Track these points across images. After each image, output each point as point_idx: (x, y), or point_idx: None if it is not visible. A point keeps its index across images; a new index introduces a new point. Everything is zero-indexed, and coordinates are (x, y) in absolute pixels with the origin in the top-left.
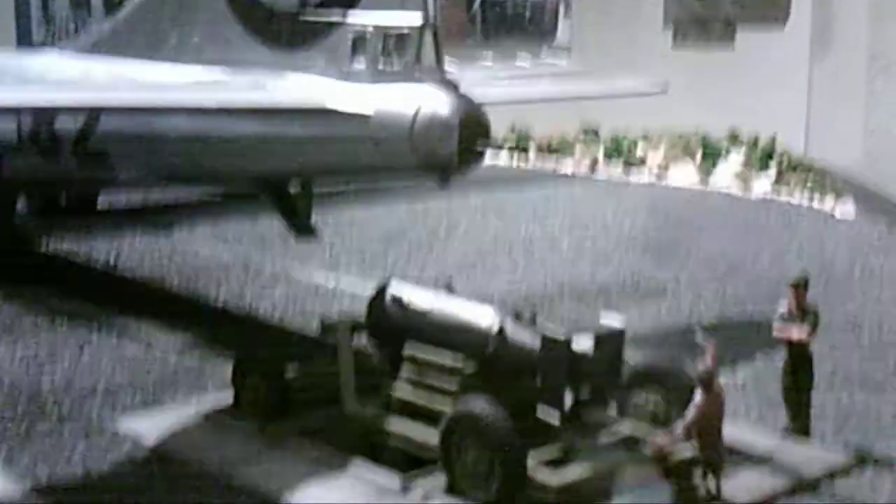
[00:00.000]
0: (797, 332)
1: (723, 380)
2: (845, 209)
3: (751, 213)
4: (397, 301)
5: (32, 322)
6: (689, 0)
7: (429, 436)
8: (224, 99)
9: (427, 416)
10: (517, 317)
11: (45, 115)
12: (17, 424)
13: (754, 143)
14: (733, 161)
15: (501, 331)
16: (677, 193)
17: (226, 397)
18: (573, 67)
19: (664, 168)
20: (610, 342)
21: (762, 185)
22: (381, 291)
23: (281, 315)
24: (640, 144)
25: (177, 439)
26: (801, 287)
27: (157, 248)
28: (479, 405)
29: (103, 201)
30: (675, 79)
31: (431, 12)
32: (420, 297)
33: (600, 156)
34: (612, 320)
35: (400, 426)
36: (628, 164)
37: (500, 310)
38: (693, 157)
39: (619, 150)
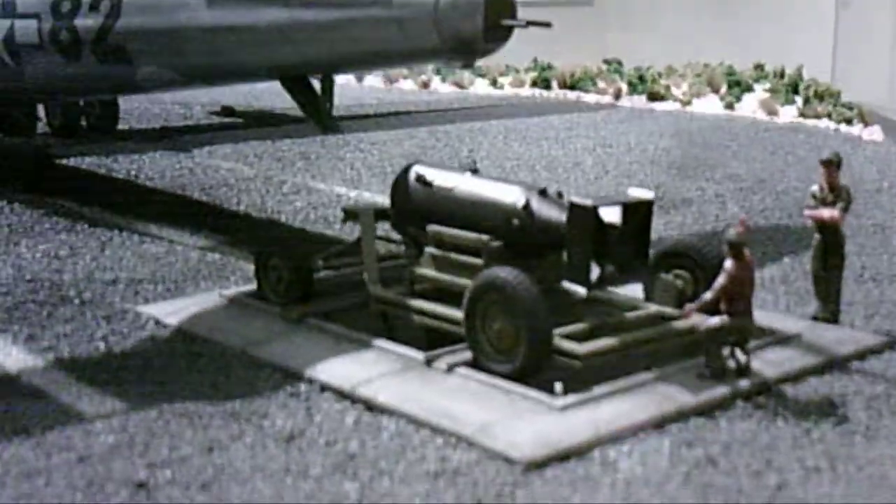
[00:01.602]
0: (828, 212)
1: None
2: (873, 133)
3: (777, 137)
4: (421, 180)
5: (53, 224)
6: None
7: (454, 313)
8: None
9: (452, 295)
10: (543, 193)
11: (65, 13)
12: (37, 309)
13: (780, 74)
14: (759, 91)
15: (527, 205)
16: (702, 120)
17: (248, 288)
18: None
19: (689, 99)
20: (638, 212)
21: (789, 111)
22: (406, 172)
23: (303, 219)
24: (665, 77)
25: (199, 320)
26: (832, 165)
27: (178, 163)
28: (505, 272)
29: (122, 126)
30: (701, 18)
31: None
32: (445, 177)
33: (623, 86)
34: (640, 192)
35: (424, 304)
36: (652, 95)
37: (527, 187)
38: (718, 89)
39: (643, 81)
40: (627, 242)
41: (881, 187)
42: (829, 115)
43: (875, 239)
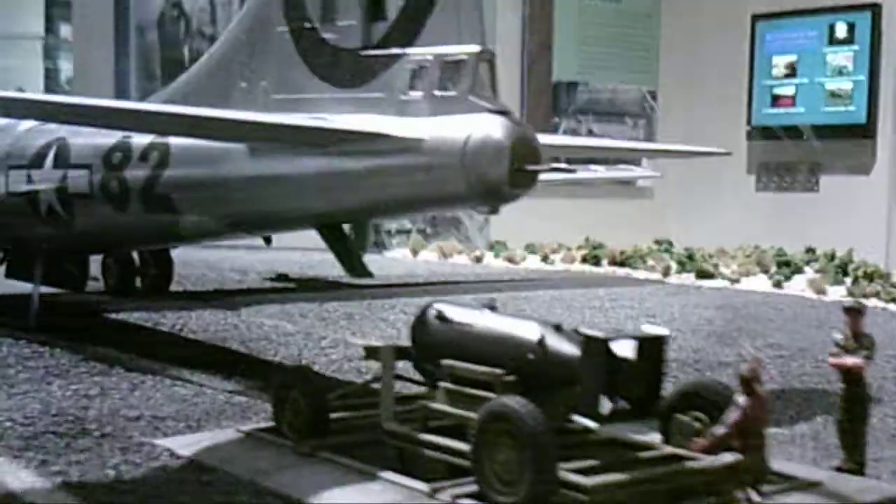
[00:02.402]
0: (852, 360)
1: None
2: None
3: (822, 313)
4: (440, 316)
5: (90, 368)
6: (772, 146)
7: (463, 446)
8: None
9: (463, 429)
10: (558, 328)
11: (116, 164)
12: (56, 439)
13: (831, 257)
14: (808, 272)
15: (542, 340)
16: (749, 295)
17: (266, 424)
18: (655, 208)
19: (738, 277)
20: (653, 348)
21: (837, 291)
22: (425, 311)
23: (336, 369)
24: (715, 257)
25: (211, 452)
26: (856, 312)
27: (223, 320)
28: (512, 401)
29: (177, 288)
30: (756, 217)
31: (487, 44)
32: (464, 314)
33: (672, 264)
34: (654, 328)
35: (435, 438)
36: (701, 272)
37: (542, 323)
38: (767, 269)
39: (692, 259)
40: (640, 378)
41: None
42: (877, 295)
43: None
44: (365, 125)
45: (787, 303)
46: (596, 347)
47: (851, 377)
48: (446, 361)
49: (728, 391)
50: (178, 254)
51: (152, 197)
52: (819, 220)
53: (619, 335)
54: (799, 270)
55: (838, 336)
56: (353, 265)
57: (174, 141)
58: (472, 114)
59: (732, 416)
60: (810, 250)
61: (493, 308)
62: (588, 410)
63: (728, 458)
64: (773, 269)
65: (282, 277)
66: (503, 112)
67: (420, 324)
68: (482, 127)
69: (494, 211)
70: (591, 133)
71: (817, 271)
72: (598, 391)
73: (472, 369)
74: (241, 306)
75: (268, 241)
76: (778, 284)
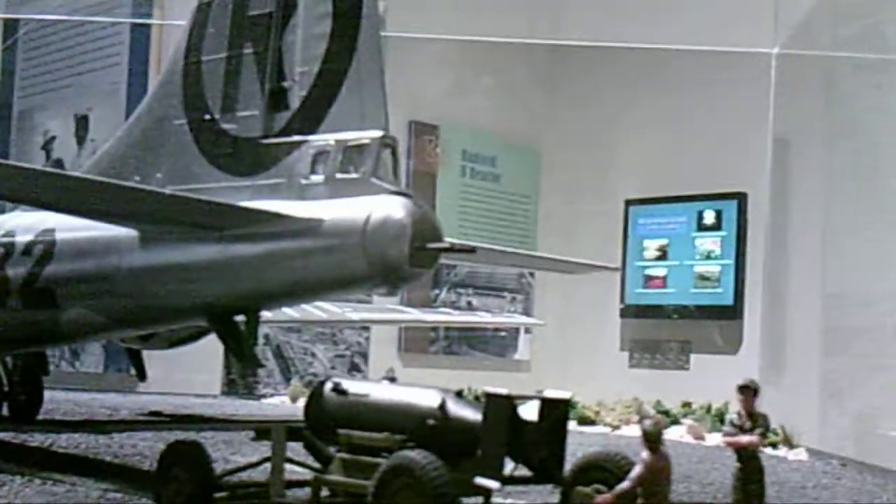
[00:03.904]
0: (747, 439)
1: None
2: (798, 454)
3: (704, 453)
4: (336, 389)
5: None
6: (644, 325)
7: None
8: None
9: (358, 496)
10: (459, 394)
11: None
12: None
13: (707, 409)
14: (686, 424)
15: (443, 405)
16: (632, 440)
17: None
18: (532, 380)
19: (618, 424)
20: (555, 410)
21: (716, 437)
22: (321, 385)
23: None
24: (594, 408)
25: None
26: (750, 391)
27: (95, 440)
28: (415, 454)
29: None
30: (630, 392)
31: (389, 130)
32: (361, 386)
33: None
34: (557, 391)
35: None
36: (582, 419)
37: (443, 390)
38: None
39: (573, 406)
40: (543, 440)
41: (805, 484)
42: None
43: None
44: (261, 207)
45: (668, 446)
46: (500, 406)
47: (747, 455)
48: (343, 431)
49: (629, 462)
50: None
51: (33, 291)
52: (690, 397)
53: (523, 395)
54: (676, 422)
55: (733, 416)
56: (245, 355)
57: (60, 235)
58: (374, 195)
59: (636, 470)
60: (686, 404)
61: (392, 379)
62: (490, 470)
63: None
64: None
65: (155, 414)
66: (404, 194)
67: (315, 398)
68: (383, 207)
69: (393, 292)
70: (469, 306)
71: (695, 420)
72: (501, 450)
73: (369, 436)
74: (114, 433)
75: (141, 376)
76: None
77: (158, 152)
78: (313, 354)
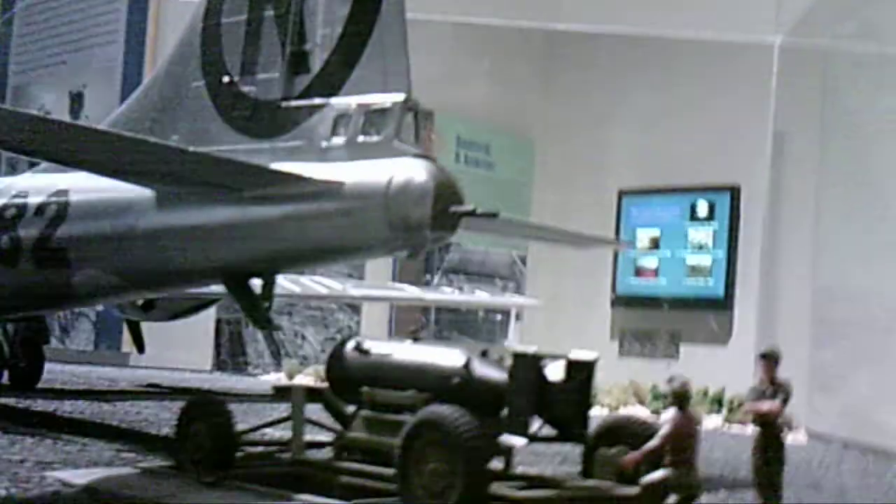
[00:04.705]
0: (768, 404)
1: None
2: (798, 438)
3: (703, 435)
4: (358, 348)
5: None
6: (635, 314)
7: (382, 470)
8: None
9: (382, 454)
10: (484, 354)
11: (8, 218)
12: None
13: (704, 393)
14: None
15: (468, 364)
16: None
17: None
18: None
19: (617, 406)
20: (581, 371)
21: (714, 419)
22: (342, 345)
23: None
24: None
25: (108, 481)
26: (771, 359)
27: (98, 407)
28: (445, 409)
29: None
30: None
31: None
32: (383, 345)
33: None
34: (583, 352)
35: (352, 464)
36: None
37: (467, 349)
38: (644, 401)
39: None
40: (569, 400)
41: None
42: (753, 422)
43: None
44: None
45: None
46: (527, 365)
47: (767, 422)
48: (365, 389)
49: (651, 426)
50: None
51: (46, 252)
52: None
53: (549, 354)
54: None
55: (755, 383)
56: (260, 318)
57: (74, 196)
58: (396, 158)
59: (665, 428)
60: None
61: (416, 339)
62: (517, 428)
63: (657, 474)
64: (650, 400)
65: (153, 386)
66: (426, 157)
67: (336, 358)
68: (405, 170)
69: (415, 256)
70: (461, 292)
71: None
72: (528, 408)
73: (394, 394)
74: (115, 401)
75: (140, 348)
76: (656, 412)
77: (175, 114)
78: (303, 337)
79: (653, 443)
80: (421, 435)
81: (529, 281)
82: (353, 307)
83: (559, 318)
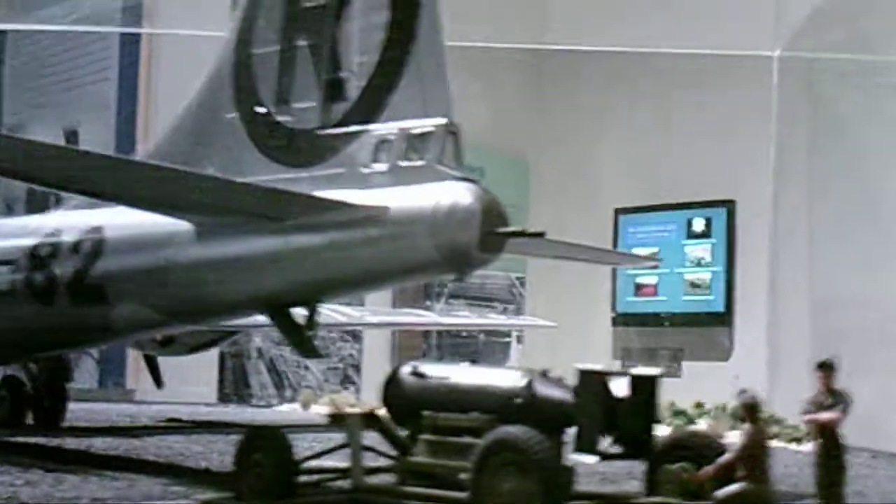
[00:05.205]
0: (827, 415)
1: None
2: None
3: None
4: (416, 373)
5: (5, 469)
6: (636, 333)
7: (451, 493)
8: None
9: (445, 478)
10: (544, 374)
11: (42, 256)
12: None
13: (722, 409)
14: (701, 423)
15: (530, 384)
16: None
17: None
18: None
19: None
20: (645, 387)
21: (733, 434)
22: (396, 370)
23: None
24: None
25: None
26: (829, 368)
27: (128, 443)
28: (518, 430)
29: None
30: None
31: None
32: (440, 368)
33: None
34: (646, 368)
35: (417, 489)
36: None
37: (527, 370)
38: (661, 421)
39: None
40: (635, 415)
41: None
42: (777, 436)
43: None
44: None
45: None
46: (593, 382)
47: (827, 432)
48: (427, 413)
49: (717, 442)
50: None
51: (82, 288)
52: (684, 404)
53: (614, 371)
54: (692, 422)
55: (813, 394)
56: (305, 347)
57: (110, 232)
58: (440, 182)
59: (738, 441)
60: (699, 405)
61: (473, 361)
62: (586, 446)
63: (733, 487)
64: (669, 419)
65: (173, 421)
66: (470, 180)
67: (393, 384)
68: (450, 193)
69: (462, 278)
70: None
71: (712, 418)
72: (597, 426)
73: (457, 417)
74: (141, 436)
75: (158, 382)
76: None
77: (209, 146)
78: (306, 367)
79: (727, 456)
80: (495, 456)
81: (529, 303)
82: (354, 335)
83: (561, 339)
